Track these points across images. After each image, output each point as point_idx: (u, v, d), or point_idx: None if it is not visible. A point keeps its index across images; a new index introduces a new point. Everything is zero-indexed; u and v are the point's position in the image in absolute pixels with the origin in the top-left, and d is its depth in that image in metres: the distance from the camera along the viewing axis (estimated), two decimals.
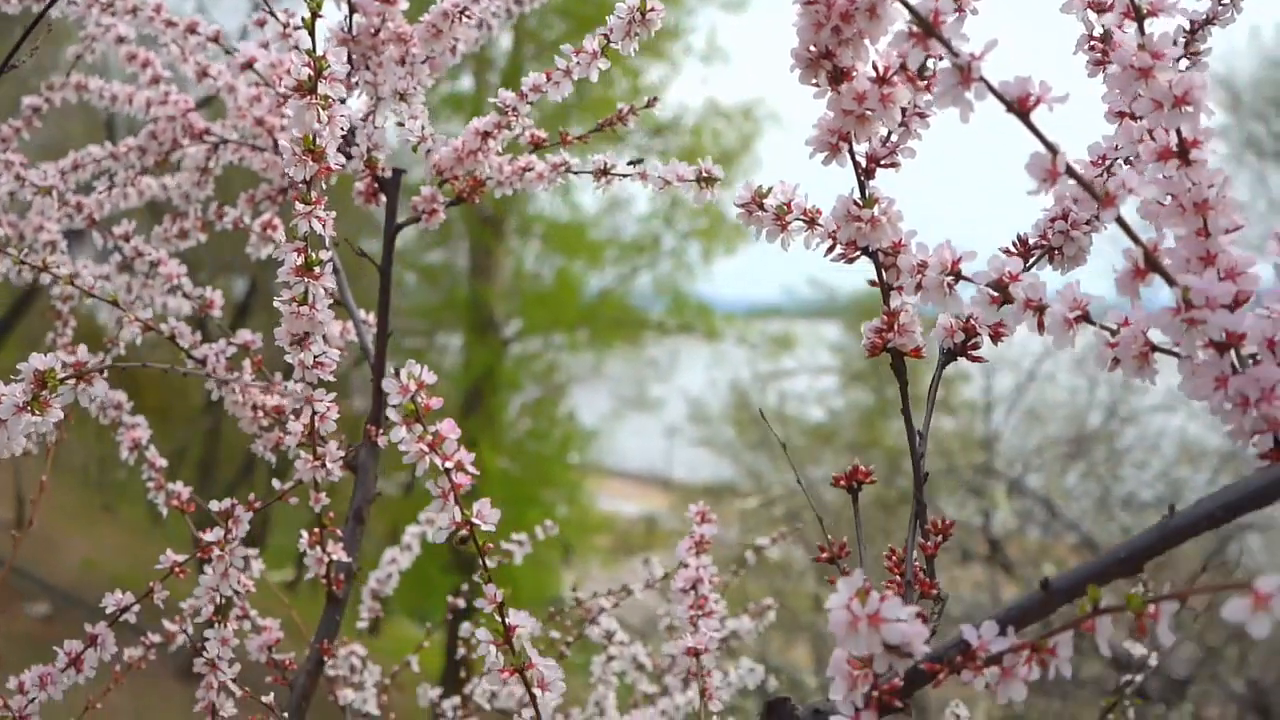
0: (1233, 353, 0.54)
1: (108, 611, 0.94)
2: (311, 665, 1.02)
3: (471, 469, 0.65)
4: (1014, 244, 0.71)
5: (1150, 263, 0.53)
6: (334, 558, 1.00)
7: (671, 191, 0.93)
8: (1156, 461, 7.29)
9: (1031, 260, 0.71)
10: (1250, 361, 0.54)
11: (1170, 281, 0.53)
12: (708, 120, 11.29)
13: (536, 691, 0.67)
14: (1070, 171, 0.52)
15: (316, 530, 0.99)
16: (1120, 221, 0.53)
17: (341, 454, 0.94)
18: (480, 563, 0.68)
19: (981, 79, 0.51)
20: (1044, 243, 0.71)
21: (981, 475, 6.39)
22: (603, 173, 1.00)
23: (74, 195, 1.21)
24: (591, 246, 12.13)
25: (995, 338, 0.69)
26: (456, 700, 1.39)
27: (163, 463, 1.13)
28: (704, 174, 0.89)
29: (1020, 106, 0.52)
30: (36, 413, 0.69)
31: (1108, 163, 0.70)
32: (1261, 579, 0.41)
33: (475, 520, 0.65)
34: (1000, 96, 0.52)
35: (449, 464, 0.65)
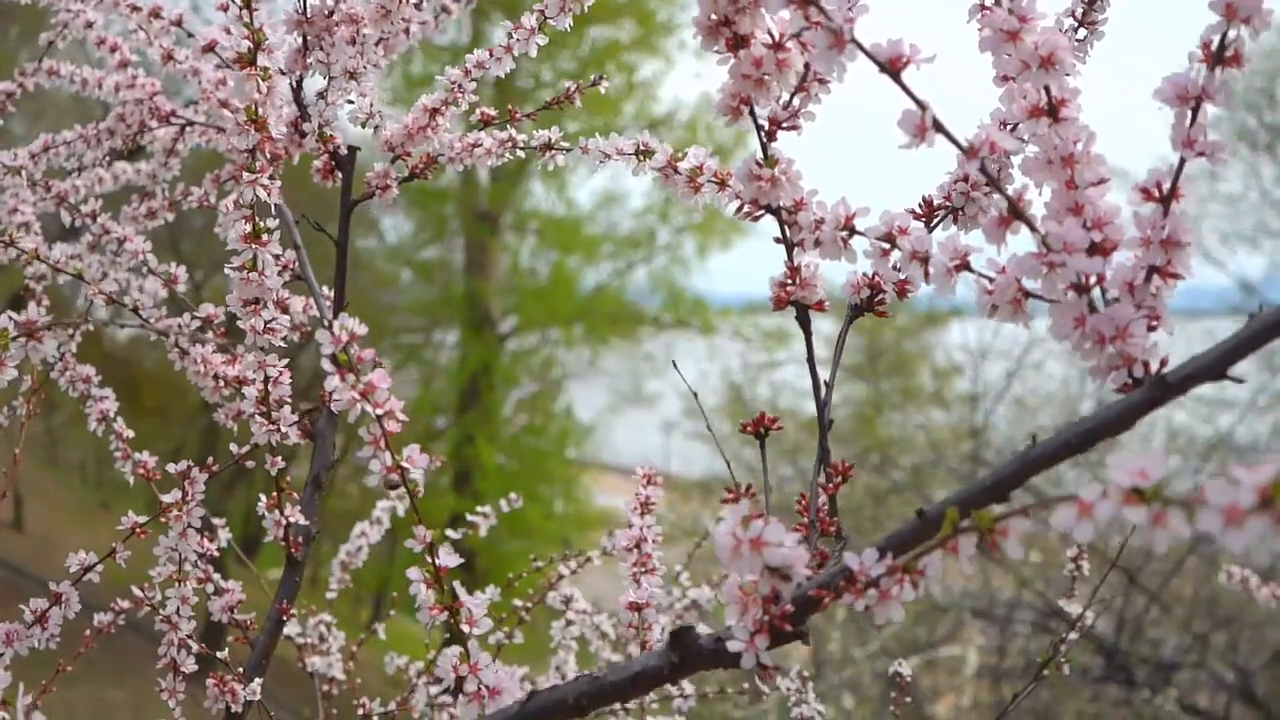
0: (1097, 294, 0.58)
1: (71, 571, 0.98)
2: (271, 625, 1.06)
3: (402, 416, 0.69)
4: (919, 205, 0.75)
5: (1014, 211, 0.57)
6: (292, 521, 1.04)
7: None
8: (1145, 450, 7.34)
9: (936, 220, 0.75)
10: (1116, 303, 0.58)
11: (1033, 229, 0.57)
12: (702, 115, 11.32)
13: (465, 628, 0.71)
14: (938, 127, 0.56)
15: (274, 494, 1.03)
16: (984, 172, 0.57)
17: (295, 418, 0.97)
18: (413, 510, 0.72)
19: (853, 41, 0.55)
20: (947, 203, 0.74)
21: (970, 464, 6.43)
22: (547, 147, 1.04)
23: (45, 178, 1.25)
24: (587, 242, 12.17)
25: (901, 294, 0.73)
26: (421, 665, 1.43)
27: (130, 434, 1.17)
28: (642, 147, 0.92)
29: (892, 67, 0.56)
30: None
31: (1008, 127, 0.74)
32: (1085, 489, 0.45)
33: (405, 465, 0.69)
34: (872, 58, 0.56)
35: (380, 411, 0.68)
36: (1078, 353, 0.57)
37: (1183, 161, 0.58)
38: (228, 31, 1.17)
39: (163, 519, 1.00)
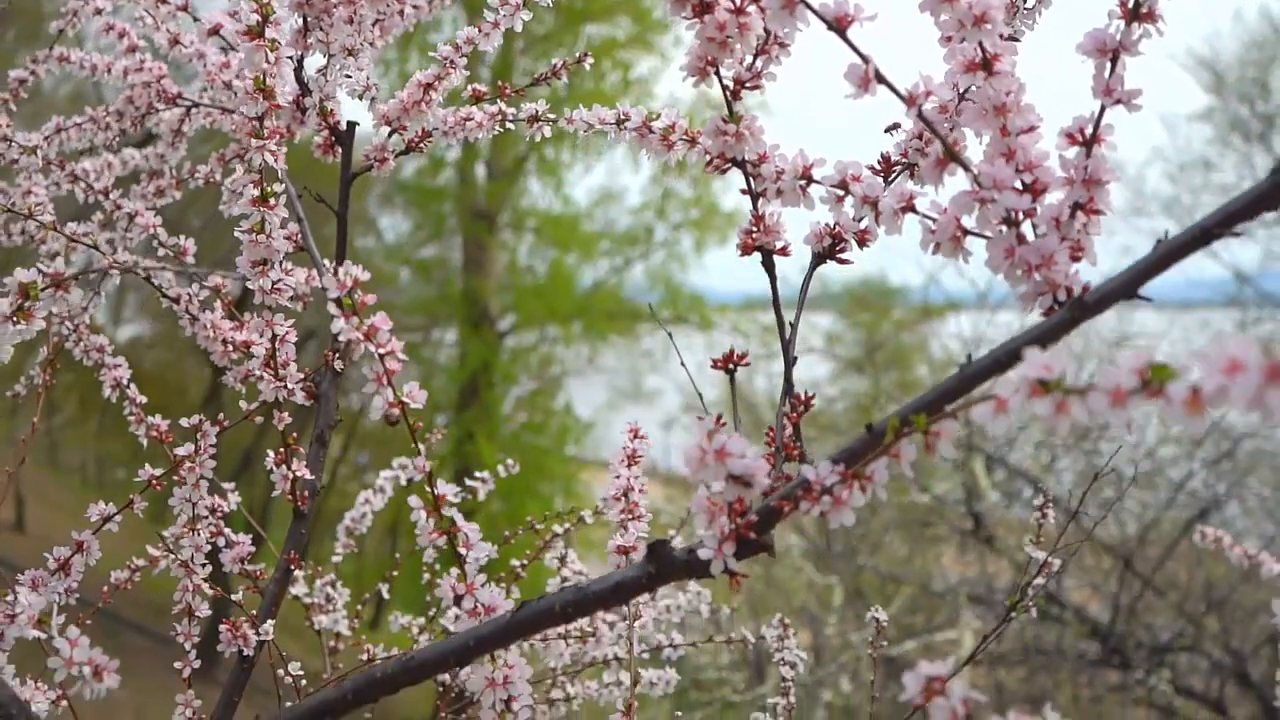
0: (1028, 228, 0.64)
1: (92, 520, 1.04)
2: (280, 574, 1.12)
3: (402, 356, 0.75)
4: (877, 161, 0.81)
5: (950, 154, 0.63)
6: (298, 475, 1.10)
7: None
8: (1137, 437, 7.42)
9: (894, 175, 0.81)
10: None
11: (967, 169, 0.63)
12: (698, 110, 11.37)
13: (462, 550, 0.77)
14: (880, 78, 0.62)
15: (282, 450, 1.09)
16: (923, 119, 0.63)
17: (301, 375, 1.04)
18: (413, 442, 0.78)
19: (803, 2, 0.61)
20: (904, 160, 0.80)
21: (964, 451, 6.50)
22: (534, 119, 1.10)
23: (59, 157, 1.31)
24: (584, 239, 12.25)
25: (861, 243, 0.79)
26: (422, 620, 1.49)
27: (143, 399, 1.23)
28: (621, 116, 0.98)
29: (839, 24, 0.62)
30: (21, 320, 0.79)
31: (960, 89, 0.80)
32: (1000, 384, 0.51)
33: (406, 399, 0.75)
34: (821, 17, 0.62)
35: (382, 351, 0.75)
36: (1009, 281, 0.63)
37: (1103, 108, 0.64)
38: (232, 15, 1.23)
39: (176, 474, 1.07)
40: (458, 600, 0.76)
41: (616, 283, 12.29)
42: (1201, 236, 0.57)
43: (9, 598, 0.80)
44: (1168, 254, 0.58)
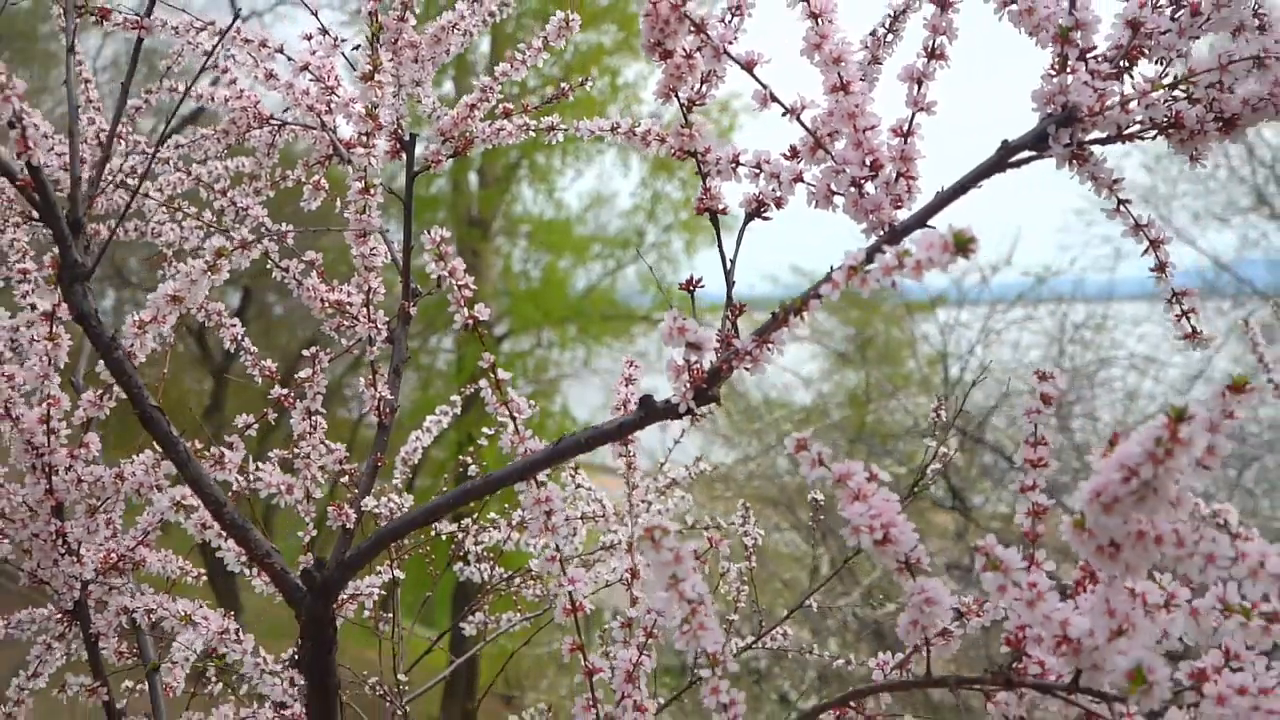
0: (870, 188, 1.04)
1: (238, 426, 1.42)
2: (369, 470, 1.51)
3: (472, 286, 1.14)
4: (788, 149, 1.20)
5: (817, 144, 1.03)
6: (383, 395, 1.49)
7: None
8: (1110, 416, 7.85)
9: (798, 159, 1.20)
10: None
11: (827, 152, 1.02)
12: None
13: (516, 414, 1.16)
14: (773, 98, 1.01)
15: (370, 375, 1.48)
16: (800, 123, 1.02)
17: (387, 319, 1.43)
18: (480, 341, 1.17)
19: (726, 53, 1.01)
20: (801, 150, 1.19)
21: (942, 430, 6.89)
22: (552, 128, 1.49)
23: (183, 164, 1.70)
24: (576, 243, 12.63)
25: (778, 205, 1.18)
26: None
27: (254, 349, 1.62)
28: (616, 125, 1.38)
29: (748, 65, 1.01)
30: (213, 273, 1.18)
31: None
32: (834, 272, 0.90)
33: (476, 315, 1.14)
34: (736, 61, 1.01)
35: (460, 283, 1.14)
36: (856, 221, 1.03)
37: (913, 115, 1.03)
38: (313, 52, 1.63)
39: (292, 393, 1.46)
40: (513, 446, 1.15)
41: (609, 285, 12.68)
42: (960, 189, 0.96)
43: (218, 451, 1.19)
44: (942, 200, 0.97)
